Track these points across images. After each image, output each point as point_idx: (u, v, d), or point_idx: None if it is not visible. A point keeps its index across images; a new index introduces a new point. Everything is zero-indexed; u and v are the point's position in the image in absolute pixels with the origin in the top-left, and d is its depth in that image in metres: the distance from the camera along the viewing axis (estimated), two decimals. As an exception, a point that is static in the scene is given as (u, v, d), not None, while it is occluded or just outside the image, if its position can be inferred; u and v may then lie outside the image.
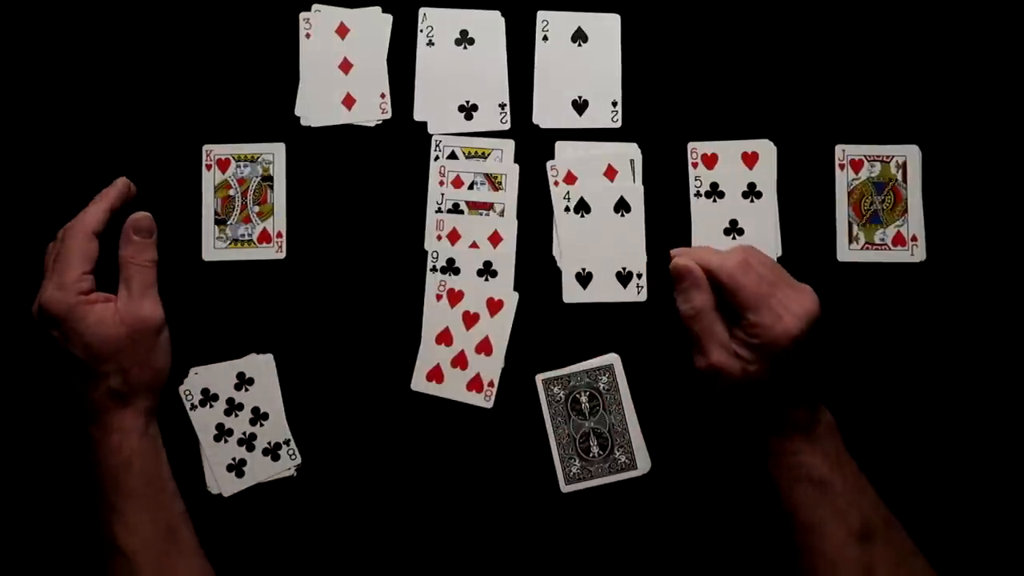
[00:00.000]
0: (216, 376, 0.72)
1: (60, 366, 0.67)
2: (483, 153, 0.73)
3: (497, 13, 0.74)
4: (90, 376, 0.66)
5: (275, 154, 0.73)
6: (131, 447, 0.66)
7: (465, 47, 0.74)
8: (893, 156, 0.74)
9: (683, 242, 0.72)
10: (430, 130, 0.73)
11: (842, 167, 0.74)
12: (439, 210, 0.73)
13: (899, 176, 0.73)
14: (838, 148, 0.74)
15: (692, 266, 0.66)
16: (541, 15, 0.74)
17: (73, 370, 0.66)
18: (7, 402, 0.72)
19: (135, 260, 0.69)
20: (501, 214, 0.73)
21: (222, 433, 0.71)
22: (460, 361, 0.72)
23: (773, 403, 0.65)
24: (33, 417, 0.72)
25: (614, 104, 0.74)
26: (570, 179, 0.73)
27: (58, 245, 0.68)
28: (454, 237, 0.73)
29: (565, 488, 0.71)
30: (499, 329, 0.72)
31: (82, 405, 0.67)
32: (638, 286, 0.73)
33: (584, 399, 0.72)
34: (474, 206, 0.73)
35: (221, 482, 0.71)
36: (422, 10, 0.74)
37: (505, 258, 0.72)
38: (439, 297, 0.72)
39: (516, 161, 0.73)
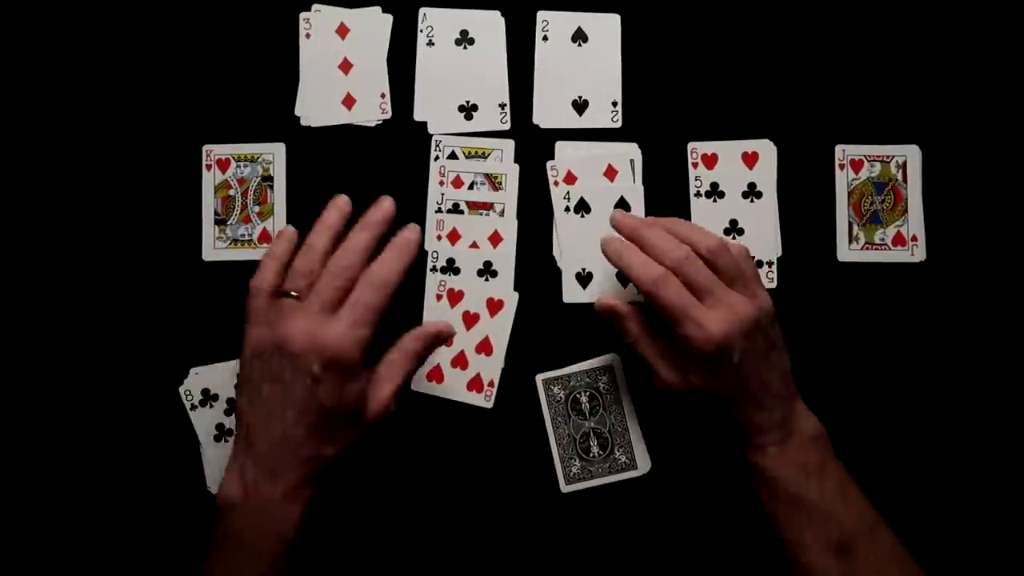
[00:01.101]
0: (216, 376, 0.72)
1: (276, 404, 0.62)
2: (483, 153, 0.73)
3: (497, 13, 0.74)
4: (317, 435, 0.62)
5: (275, 154, 0.73)
6: (301, 521, 0.62)
7: (465, 47, 0.74)
8: (893, 156, 0.74)
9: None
10: (430, 130, 0.73)
11: (842, 167, 0.74)
12: (439, 210, 0.73)
13: (899, 176, 0.73)
14: (838, 148, 0.74)
15: (610, 303, 0.67)
16: (541, 15, 0.74)
17: (299, 418, 0.61)
18: (7, 402, 0.72)
19: (410, 363, 0.65)
20: (501, 214, 0.73)
21: (222, 433, 0.71)
22: (460, 361, 0.72)
23: (731, 414, 0.64)
24: (33, 417, 0.72)
25: (614, 104, 0.74)
26: (570, 179, 0.73)
27: (338, 272, 0.63)
28: (454, 237, 0.73)
29: (565, 488, 0.71)
30: (499, 329, 0.72)
31: (272, 455, 0.62)
32: (638, 286, 0.72)
33: (584, 399, 0.72)
34: (474, 206, 0.73)
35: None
36: (422, 10, 0.74)
37: (505, 258, 0.72)
38: (439, 297, 0.72)
39: (516, 161, 0.73)
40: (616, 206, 0.73)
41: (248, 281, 0.64)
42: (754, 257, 0.70)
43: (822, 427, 0.66)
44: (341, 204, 0.66)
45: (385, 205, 0.65)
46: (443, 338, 0.66)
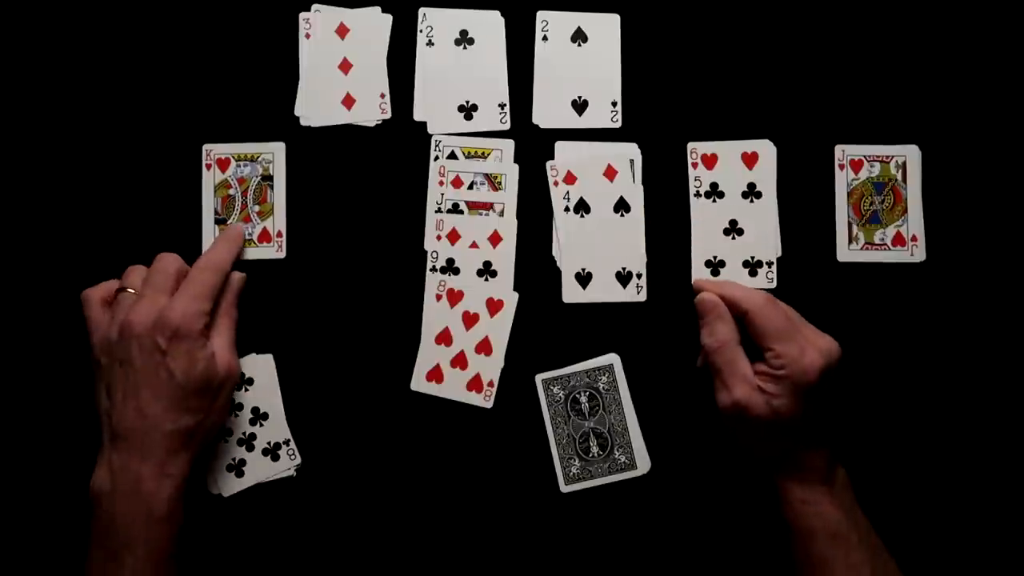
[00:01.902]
0: (216, 376, 0.72)
1: (130, 386, 0.64)
2: (483, 153, 0.73)
3: (497, 13, 0.74)
4: (174, 407, 0.64)
5: (275, 153, 0.73)
6: (174, 499, 0.64)
7: (465, 47, 0.74)
8: (893, 156, 0.74)
9: (683, 242, 0.72)
10: (430, 130, 0.73)
11: (842, 167, 0.74)
12: (439, 210, 0.73)
13: (899, 176, 0.73)
14: (838, 148, 0.74)
15: (717, 299, 0.67)
16: (541, 15, 0.74)
17: (154, 394, 0.63)
18: (7, 402, 0.72)
19: (232, 314, 0.69)
20: (501, 214, 0.73)
21: (222, 433, 0.71)
22: (460, 361, 0.72)
23: (796, 445, 0.65)
24: (33, 417, 0.72)
25: (614, 104, 0.74)
26: (570, 179, 0.73)
27: (167, 269, 0.67)
28: (454, 237, 0.73)
29: (565, 488, 0.71)
30: (499, 329, 0.72)
31: (134, 436, 0.63)
32: (638, 286, 0.73)
33: (584, 399, 0.72)
34: (474, 206, 0.73)
35: (221, 482, 0.71)
36: (422, 10, 0.74)
37: (505, 258, 0.72)
38: (439, 297, 0.72)
39: (516, 161, 0.73)
40: (616, 206, 0.73)
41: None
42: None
43: (847, 475, 0.67)
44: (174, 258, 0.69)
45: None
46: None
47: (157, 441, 0.63)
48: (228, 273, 0.69)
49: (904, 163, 0.74)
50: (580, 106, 0.74)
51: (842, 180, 0.74)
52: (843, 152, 0.74)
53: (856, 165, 0.73)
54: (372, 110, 0.74)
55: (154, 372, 0.64)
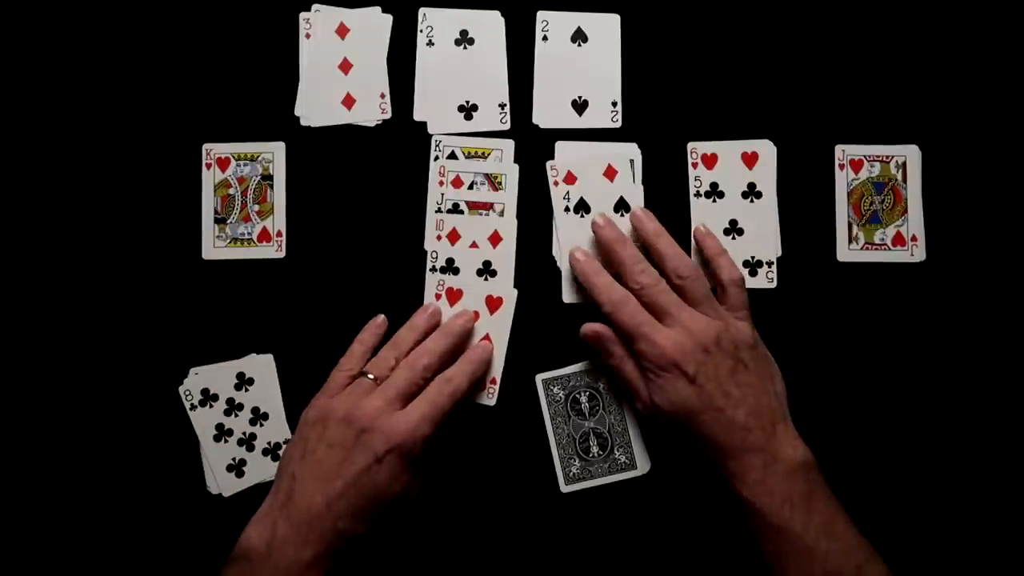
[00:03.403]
0: (216, 376, 0.72)
1: (329, 471, 0.63)
2: (483, 153, 0.73)
3: (497, 13, 0.74)
4: (355, 511, 0.63)
5: (275, 153, 0.73)
6: None
7: (465, 47, 0.74)
8: (893, 156, 0.74)
9: (683, 242, 0.72)
10: (430, 130, 0.74)
11: (842, 167, 0.74)
12: (439, 210, 0.73)
13: (899, 176, 0.73)
14: (838, 148, 0.74)
15: (595, 328, 0.69)
16: (541, 15, 0.74)
17: (346, 490, 0.63)
18: (7, 402, 0.72)
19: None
20: (501, 214, 0.73)
21: (222, 433, 0.71)
22: (461, 360, 0.72)
23: (702, 438, 0.65)
24: (34, 417, 0.72)
25: (614, 104, 0.74)
26: (570, 179, 0.73)
27: (415, 367, 0.67)
28: (454, 237, 0.73)
29: (565, 488, 0.71)
30: (499, 326, 0.72)
31: (310, 518, 0.62)
32: (638, 286, 0.72)
33: (584, 399, 0.72)
34: (474, 206, 0.73)
35: (221, 482, 0.71)
36: (422, 10, 0.74)
37: (505, 258, 0.72)
38: (438, 296, 0.72)
39: (516, 161, 0.73)
40: (616, 206, 0.73)
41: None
42: (743, 286, 0.69)
43: (810, 455, 0.65)
44: (433, 312, 0.71)
45: (468, 317, 0.70)
46: (478, 373, 0.69)
47: (326, 534, 0.63)
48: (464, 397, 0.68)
49: (904, 163, 0.74)
50: (580, 106, 0.74)
51: (842, 180, 0.74)
52: (843, 152, 0.74)
53: (856, 165, 0.74)
54: (372, 110, 0.74)
55: (358, 472, 0.63)
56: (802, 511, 0.63)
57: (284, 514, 0.63)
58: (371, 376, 0.67)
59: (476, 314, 0.71)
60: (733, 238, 0.73)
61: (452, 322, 0.70)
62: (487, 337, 0.71)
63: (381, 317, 0.71)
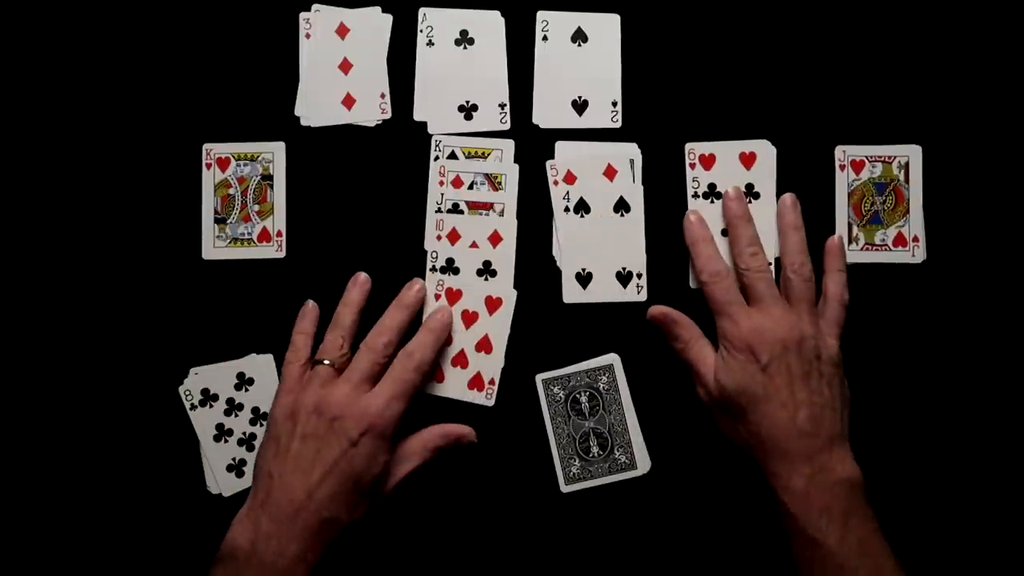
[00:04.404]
0: (216, 376, 0.72)
1: (305, 462, 0.64)
2: (483, 153, 0.73)
3: (497, 13, 0.74)
4: (338, 498, 0.64)
5: (275, 153, 0.73)
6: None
7: (465, 47, 0.74)
8: (896, 157, 0.73)
9: (683, 242, 0.72)
10: (430, 130, 0.74)
11: (843, 168, 0.73)
12: (439, 210, 0.73)
13: (901, 177, 0.73)
14: (840, 149, 0.74)
15: (665, 309, 0.70)
16: (541, 15, 0.74)
17: (326, 478, 0.63)
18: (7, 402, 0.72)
19: (431, 447, 0.69)
20: (501, 214, 0.73)
21: (222, 433, 0.71)
22: (460, 360, 0.72)
23: (760, 431, 0.65)
24: (34, 417, 0.72)
25: (614, 104, 0.74)
26: (570, 179, 0.73)
27: (375, 347, 0.67)
28: (454, 237, 0.73)
29: (565, 488, 0.71)
30: (498, 327, 0.72)
31: (292, 511, 0.63)
32: (638, 286, 0.72)
33: (584, 399, 0.72)
34: (474, 206, 0.73)
35: (221, 482, 0.71)
36: (422, 10, 0.74)
37: (505, 258, 0.72)
38: (438, 296, 0.72)
39: (516, 161, 0.73)
40: (616, 206, 0.73)
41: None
42: (846, 308, 0.69)
43: (859, 474, 0.64)
44: (362, 281, 0.71)
45: (417, 287, 0.70)
46: (464, 442, 0.70)
47: (311, 524, 0.63)
48: (431, 367, 0.69)
49: (907, 164, 0.73)
50: (580, 106, 0.74)
51: (843, 181, 0.73)
52: (844, 152, 0.74)
53: (857, 166, 0.73)
54: (372, 110, 0.74)
55: (336, 458, 0.64)
56: (839, 526, 0.62)
57: (266, 512, 0.63)
58: (326, 362, 0.67)
59: (423, 285, 0.71)
60: (733, 238, 0.73)
61: (405, 294, 0.70)
62: (486, 337, 0.71)
63: (311, 303, 0.71)
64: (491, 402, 0.71)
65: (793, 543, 0.64)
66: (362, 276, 0.71)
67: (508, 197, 0.73)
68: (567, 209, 0.73)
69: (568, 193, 0.73)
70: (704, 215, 0.72)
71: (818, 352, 0.66)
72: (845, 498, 0.63)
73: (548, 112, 0.74)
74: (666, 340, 0.70)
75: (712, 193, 0.73)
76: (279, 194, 0.73)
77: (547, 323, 0.72)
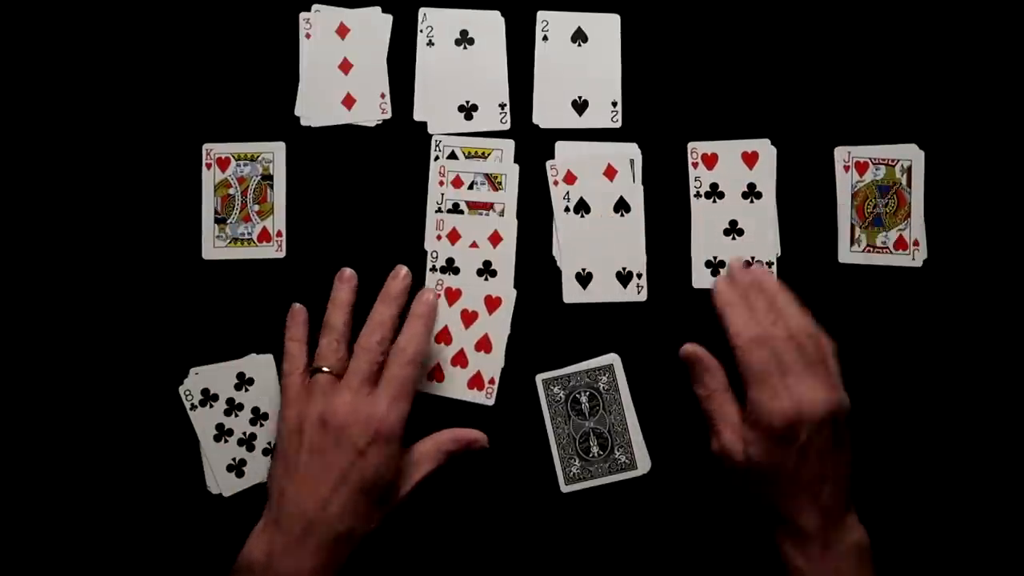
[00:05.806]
0: (216, 376, 0.72)
1: (314, 476, 0.63)
2: (483, 153, 0.73)
3: (497, 13, 0.74)
4: (352, 509, 0.63)
5: (275, 153, 0.73)
6: None
7: (465, 47, 0.74)
8: (898, 160, 0.73)
9: (683, 242, 0.72)
10: (430, 130, 0.74)
11: (847, 169, 0.73)
12: (439, 210, 0.73)
13: (903, 180, 0.73)
14: (843, 150, 0.73)
15: (700, 352, 0.68)
16: (541, 15, 0.74)
17: (337, 490, 0.63)
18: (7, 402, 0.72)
19: (444, 452, 0.68)
20: (501, 214, 0.73)
21: (222, 433, 0.71)
22: (460, 360, 0.72)
23: (781, 502, 0.63)
24: (34, 417, 0.72)
25: (614, 104, 0.74)
26: (570, 179, 0.73)
27: (370, 348, 0.66)
28: (454, 237, 0.73)
29: (565, 488, 0.71)
30: (498, 326, 0.71)
31: (306, 526, 0.62)
32: (638, 286, 0.72)
33: (584, 399, 0.72)
34: (474, 206, 0.73)
35: (221, 482, 0.71)
36: (422, 10, 0.74)
37: (505, 258, 0.72)
38: (437, 296, 0.72)
39: (516, 161, 0.73)
40: (616, 206, 0.73)
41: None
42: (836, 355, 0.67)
43: (866, 539, 0.64)
44: (347, 277, 0.70)
45: (402, 274, 0.69)
46: (475, 447, 0.69)
47: (326, 539, 0.62)
48: (426, 355, 0.68)
49: (909, 167, 0.73)
50: (580, 106, 0.74)
51: (846, 182, 0.73)
52: (848, 154, 0.74)
53: (861, 167, 0.73)
54: (372, 110, 0.74)
55: (345, 470, 0.63)
56: None
57: (280, 529, 0.63)
58: (325, 369, 0.66)
59: (408, 272, 0.69)
60: (733, 238, 0.73)
61: (390, 285, 0.69)
62: (486, 336, 0.71)
63: (297, 306, 0.70)
64: (491, 401, 0.71)
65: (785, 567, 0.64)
66: (347, 272, 0.70)
67: (508, 197, 0.73)
68: (567, 209, 0.73)
69: (568, 193, 0.73)
70: (704, 215, 0.72)
71: (841, 417, 0.64)
72: (854, 566, 0.63)
73: (548, 112, 0.74)
74: (669, 343, 0.70)
75: (714, 192, 0.73)
76: (279, 194, 0.73)
77: (547, 323, 0.72)
